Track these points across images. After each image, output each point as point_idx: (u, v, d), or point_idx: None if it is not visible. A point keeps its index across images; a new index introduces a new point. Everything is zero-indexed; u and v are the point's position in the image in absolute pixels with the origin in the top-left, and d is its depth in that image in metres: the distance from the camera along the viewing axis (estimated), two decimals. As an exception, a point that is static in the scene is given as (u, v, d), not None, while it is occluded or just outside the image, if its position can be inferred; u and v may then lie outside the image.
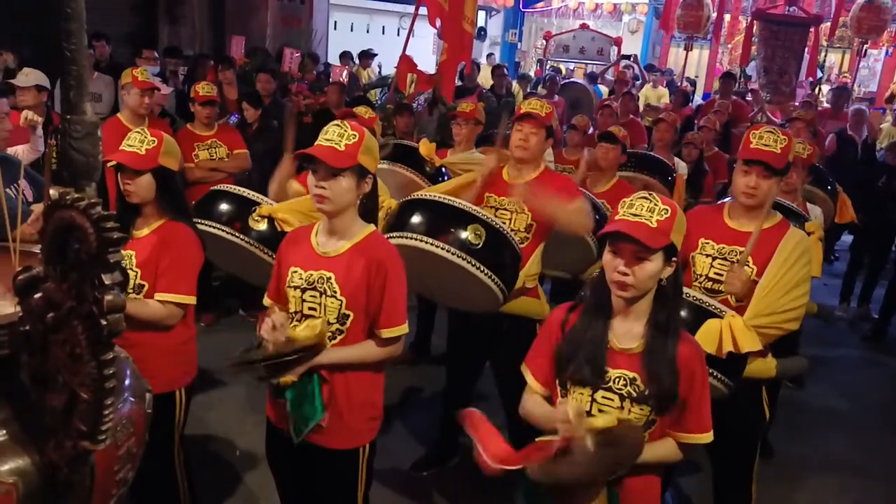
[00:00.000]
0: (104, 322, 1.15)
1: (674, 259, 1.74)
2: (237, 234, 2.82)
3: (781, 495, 3.51)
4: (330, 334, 2.08)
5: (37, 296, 1.24)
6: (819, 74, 12.74)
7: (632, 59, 12.39)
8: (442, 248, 2.56)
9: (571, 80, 11.56)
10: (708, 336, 2.21)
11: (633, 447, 1.70)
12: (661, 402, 1.75)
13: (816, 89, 11.10)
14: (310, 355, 2.02)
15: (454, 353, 3.45)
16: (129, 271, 2.34)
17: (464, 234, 2.58)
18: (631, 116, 6.99)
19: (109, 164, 2.30)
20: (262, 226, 2.81)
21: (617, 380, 1.77)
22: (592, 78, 11.24)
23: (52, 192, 1.22)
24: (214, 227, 2.82)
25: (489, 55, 15.41)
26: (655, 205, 1.71)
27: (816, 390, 4.69)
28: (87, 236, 1.16)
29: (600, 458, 1.65)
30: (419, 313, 4.52)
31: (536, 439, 1.81)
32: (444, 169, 3.92)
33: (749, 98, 8.92)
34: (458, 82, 7.27)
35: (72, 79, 1.34)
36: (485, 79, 9.61)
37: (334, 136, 2.02)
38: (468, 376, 3.37)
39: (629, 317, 1.79)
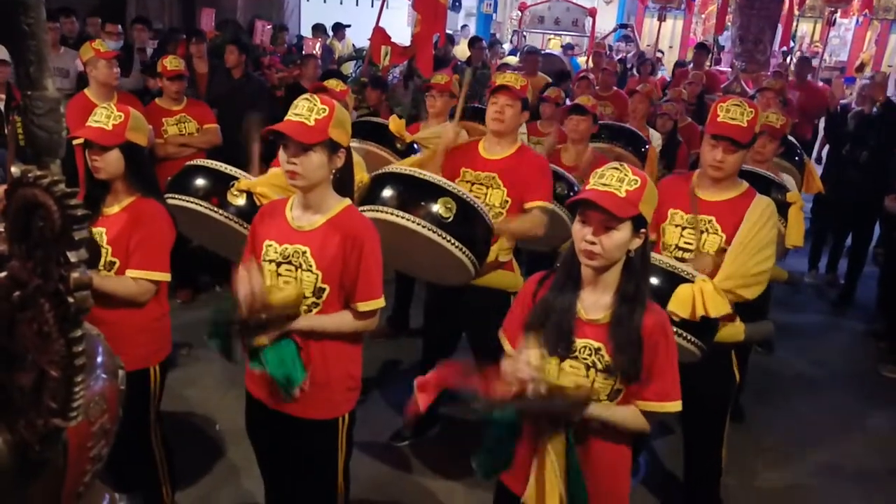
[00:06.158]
0: (71, 300, 1.14)
1: (642, 230, 1.76)
2: (216, 209, 2.80)
3: (749, 457, 3.61)
4: (306, 308, 2.10)
5: (2, 274, 1.23)
6: (791, 44, 12.76)
7: (629, 29, 12.20)
8: (412, 222, 2.57)
9: (547, 51, 11.49)
10: (681, 301, 2.26)
11: (581, 400, 1.74)
12: (626, 372, 1.78)
13: (788, 59, 11.12)
14: (284, 320, 2.04)
15: (430, 327, 3.50)
16: (101, 248, 2.33)
17: (434, 208, 2.59)
18: (615, 89, 6.92)
19: (76, 142, 2.27)
20: (241, 200, 2.80)
21: (583, 349, 1.80)
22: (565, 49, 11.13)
23: (14, 169, 1.20)
24: (193, 203, 2.80)
25: (463, 27, 15.23)
26: (625, 175, 1.73)
27: (785, 355, 4.81)
28: (50, 214, 1.15)
29: (549, 405, 1.70)
30: (397, 287, 4.53)
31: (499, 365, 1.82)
32: (415, 145, 3.90)
33: (722, 69, 8.88)
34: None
35: (31, 54, 1.31)
36: (461, 51, 9.50)
37: (304, 110, 2.01)
38: (444, 349, 3.40)
39: (598, 287, 1.82)
